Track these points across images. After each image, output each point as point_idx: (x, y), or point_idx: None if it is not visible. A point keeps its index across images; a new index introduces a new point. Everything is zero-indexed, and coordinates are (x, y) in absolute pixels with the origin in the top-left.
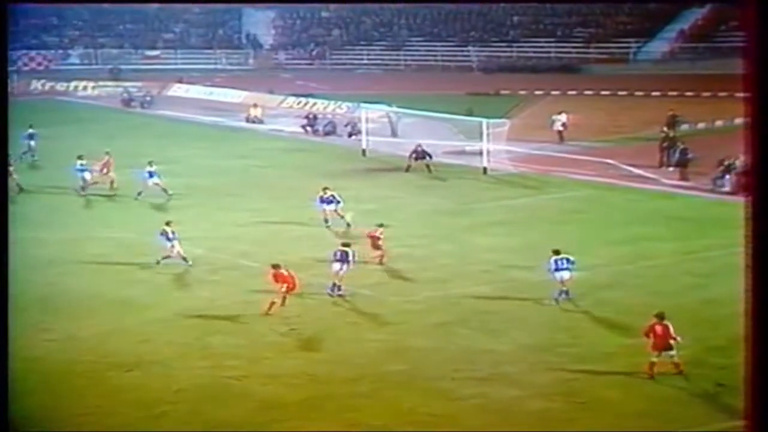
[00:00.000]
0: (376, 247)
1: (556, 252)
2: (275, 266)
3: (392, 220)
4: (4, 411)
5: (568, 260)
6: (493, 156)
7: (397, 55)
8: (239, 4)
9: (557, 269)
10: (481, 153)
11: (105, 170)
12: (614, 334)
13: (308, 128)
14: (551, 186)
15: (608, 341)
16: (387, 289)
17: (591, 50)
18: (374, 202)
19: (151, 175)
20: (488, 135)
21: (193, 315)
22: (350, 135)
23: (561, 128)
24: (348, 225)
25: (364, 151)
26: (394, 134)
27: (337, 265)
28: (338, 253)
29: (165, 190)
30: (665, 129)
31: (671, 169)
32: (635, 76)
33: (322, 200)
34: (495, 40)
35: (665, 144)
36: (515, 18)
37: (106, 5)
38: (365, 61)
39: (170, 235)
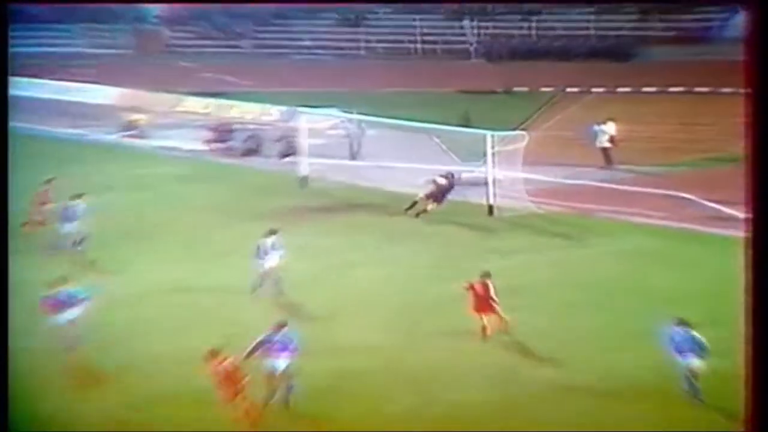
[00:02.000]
0: (484, 309)
1: (682, 323)
2: (214, 353)
3: (346, 287)
4: (4, 411)
5: (694, 340)
6: (502, 187)
7: (355, 33)
8: None
9: (679, 349)
10: (484, 183)
11: (44, 205)
12: None
13: (218, 145)
14: (594, 233)
15: None
16: (345, 393)
17: (651, 25)
18: (318, 259)
19: (68, 214)
20: (495, 155)
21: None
22: (283, 155)
23: (608, 144)
24: (276, 291)
25: (304, 180)
26: (352, 154)
27: (279, 362)
28: (276, 344)
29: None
30: None
31: None
32: (719, 63)
33: (267, 251)
34: (503, 11)
35: None
36: None
37: None
38: (306, 43)
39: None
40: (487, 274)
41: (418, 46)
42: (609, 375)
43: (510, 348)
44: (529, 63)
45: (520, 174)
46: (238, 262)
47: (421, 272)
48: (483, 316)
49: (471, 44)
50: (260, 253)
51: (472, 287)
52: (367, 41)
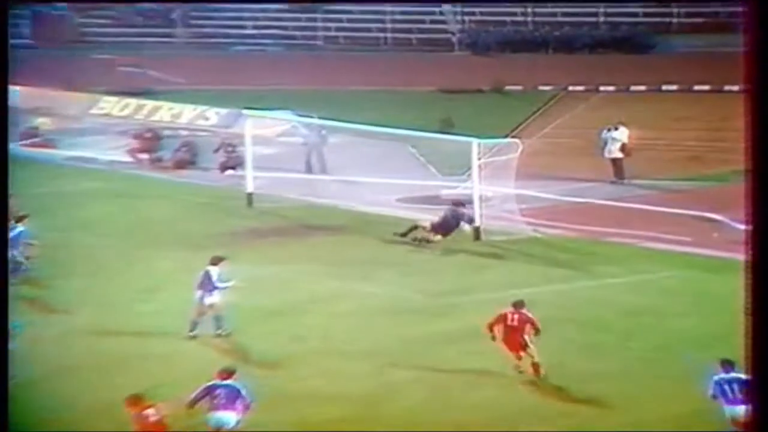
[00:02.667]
0: (514, 346)
1: (726, 365)
2: (136, 400)
3: (304, 326)
4: (4, 411)
5: (741, 383)
6: (491, 207)
7: (312, 18)
8: None
9: (726, 397)
10: (470, 201)
11: None
12: None
13: (145, 155)
14: (602, 261)
15: None
16: None
17: (671, 10)
18: (269, 293)
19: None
20: (482, 167)
21: None
22: (224, 168)
23: (619, 154)
24: (221, 331)
25: (249, 198)
26: (310, 166)
27: (226, 417)
28: (222, 395)
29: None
30: None
31: None
32: None
33: (212, 284)
34: None
35: None
36: None
37: None
38: (251, 31)
39: None
40: (519, 304)
41: (389, 35)
42: (634, 426)
43: (512, 395)
44: (523, 56)
45: (513, 190)
46: (172, 297)
47: (394, 309)
48: (512, 352)
49: (453, 33)
50: (204, 285)
51: (503, 317)
52: (326, 29)
